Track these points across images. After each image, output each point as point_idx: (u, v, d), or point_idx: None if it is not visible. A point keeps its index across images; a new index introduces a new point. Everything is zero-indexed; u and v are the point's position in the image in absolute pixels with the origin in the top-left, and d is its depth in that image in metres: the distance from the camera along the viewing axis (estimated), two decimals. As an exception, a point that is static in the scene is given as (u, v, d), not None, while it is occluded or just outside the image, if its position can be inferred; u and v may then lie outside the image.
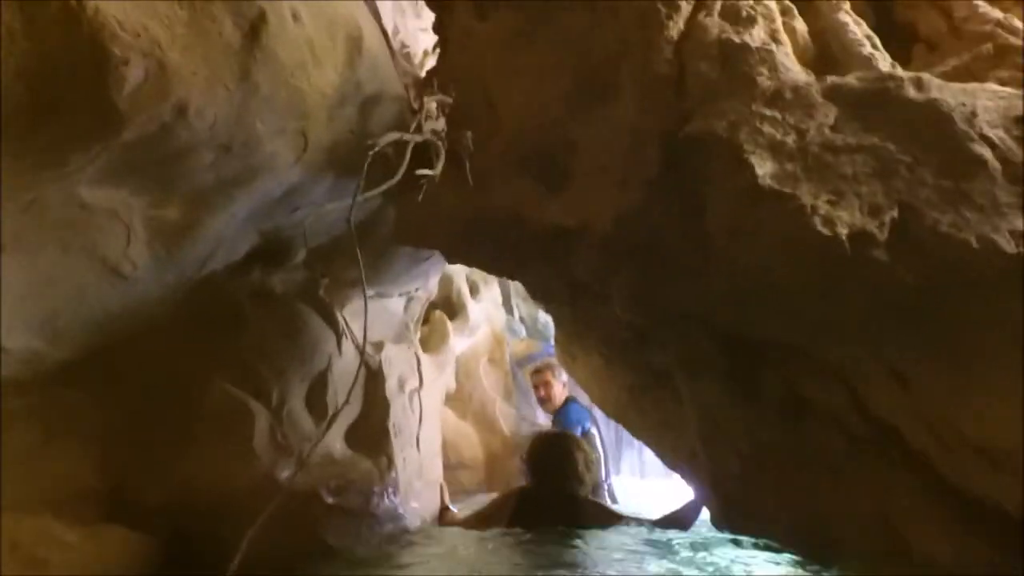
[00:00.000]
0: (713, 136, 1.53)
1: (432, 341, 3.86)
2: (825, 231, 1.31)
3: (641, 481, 4.07)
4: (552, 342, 5.43)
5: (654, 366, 2.21)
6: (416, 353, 2.96)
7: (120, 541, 1.48)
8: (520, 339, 5.85)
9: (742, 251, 1.51)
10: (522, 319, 5.92)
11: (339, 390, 2.19)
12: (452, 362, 3.79)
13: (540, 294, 2.47)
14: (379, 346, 2.65)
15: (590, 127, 1.85)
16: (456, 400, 4.43)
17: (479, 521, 2.36)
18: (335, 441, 2.10)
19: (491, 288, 5.19)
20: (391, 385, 2.55)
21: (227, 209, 1.58)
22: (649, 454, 4.67)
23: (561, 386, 3.68)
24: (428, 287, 2.96)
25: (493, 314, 5.11)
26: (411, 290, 2.80)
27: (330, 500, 1.83)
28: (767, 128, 1.49)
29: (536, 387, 3.70)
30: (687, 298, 1.75)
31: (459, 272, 4.50)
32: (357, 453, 2.17)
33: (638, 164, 1.70)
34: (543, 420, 4.11)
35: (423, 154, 2.01)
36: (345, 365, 2.30)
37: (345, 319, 2.48)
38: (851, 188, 1.36)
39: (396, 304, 2.82)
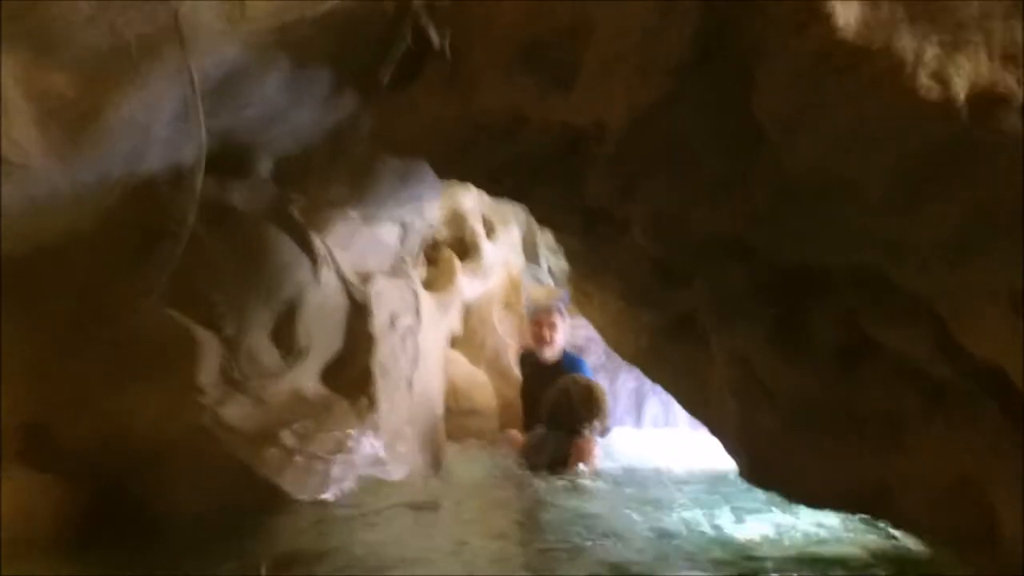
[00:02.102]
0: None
1: (439, 281, 3.58)
2: (932, 91, 0.89)
3: (666, 430, 3.81)
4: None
5: (679, 306, 1.85)
6: (414, 290, 2.68)
7: (37, 488, 1.27)
8: (540, 285, 5.52)
9: (803, 143, 1.10)
10: (550, 270, 5.59)
11: (314, 323, 1.94)
12: (458, 303, 3.51)
13: (548, 221, 2.10)
14: (367, 278, 2.37)
15: (606, 3, 1.42)
16: (469, 346, 4.19)
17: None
18: (307, 379, 1.86)
19: (509, 230, 4.82)
20: (380, 321, 2.28)
21: (141, 88, 1.27)
22: (673, 403, 4.41)
23: (564, 332, 3.34)
24: (425, 217, 2.63)
25: (510, 257, 4.77)
26: (403, 216, 2.48)
27: (291, 443, 1.60)
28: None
29: (540, 326, 3.35)
30: (721, 218, 1.37)
31: (473, 210, 4.16)
32: (334, 393, 1.93)
33: (666, 45, 1.28)
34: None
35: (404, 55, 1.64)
36: (323, 296, 2.04)
37: (327, 245, 2.20)
38: (975, 28, 0.92)
39: (389, 233, 2.51)
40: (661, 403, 4.22)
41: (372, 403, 2.00)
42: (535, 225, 5.63)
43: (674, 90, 1.26)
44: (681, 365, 2.09)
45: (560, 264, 5.82)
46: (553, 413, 2.75)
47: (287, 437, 1.61)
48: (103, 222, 1.46)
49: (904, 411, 1.45)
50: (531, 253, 5.17)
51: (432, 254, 3.81)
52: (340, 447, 1.77)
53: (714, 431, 2.05)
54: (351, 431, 1.86)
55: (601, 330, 2.47)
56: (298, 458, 1.60)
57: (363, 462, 1.85)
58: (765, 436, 1.74)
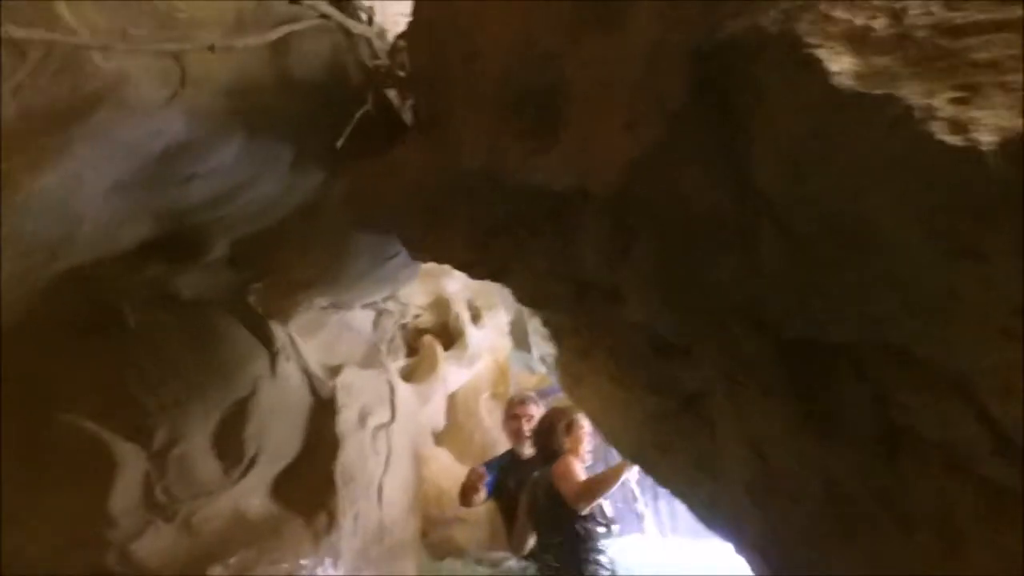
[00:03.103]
0: (760, 35, 1.02)
1: (420, 370, 3.33)
2: (954, 140, 0.76)
3: (670, 539, 3.35)
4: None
5: (682, 386, 1.62)
6: (389, 381, 2.44)
7: None
8: (531, 372, 5.26)
9: (812, 196, 0.96)
10: (542, 358, 5.37)
11: (267, 425, 1.68)
12: (441, 394, 3.24)
13: (534, 297, 1.92)
14: (335, 370, 2.14)
15: (591, 61, 1.36)
16: (455, 441, 3.83)
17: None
18: (252, 494, 1.56)
19: (496, 314, 4.66)
20: (347, 418, 2.02)
21: (65, 162, 1.12)
22: (679, 506, 3.95)
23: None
24: (401, 300, 2.45)
25: (497, 343, 4.56)
26: (378, 300, 2.30)
27: (222, 582, 1.28)
28: (838, 13, 0.98)
29: (517, 419, 2.99)
30: (728, 282, 1.20)
31: (458, 295, 4.01)
32: (285, 509, 1.62)
33: (655, 96, 1.20)
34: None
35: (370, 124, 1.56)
36: (281, 392, 1.80)
37: (289, 335, 1.99)
38: (990, 79, 0.82)
39: (362, 320, 2.32)
40: (665, 504, 3.80)
41: (332, 520, 1.69)
42: (525, 311, 5.48)
43: (669, 136, 1.15)
44: (688, 459, 1.82)
45: (552, 351, 5.59)
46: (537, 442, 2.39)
47: (220, 573, 1.29)
48: (23, 315, 1.25)
49: (958, 507, 1.20)
50: (521, 340, 4.97)
51: (412, 343, 3.60)
52: (288, 581, 1.45)
53: (730, 538, 1.74)
54: (304, 560, 1.53)
55: (594, 420, 2.21)
56: (230, 602, 1.28)
57: (317, 600, 1.51)
58: (792, 543, 1.45)
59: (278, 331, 1.89)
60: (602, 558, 2.25)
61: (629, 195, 1.29)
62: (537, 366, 5.28)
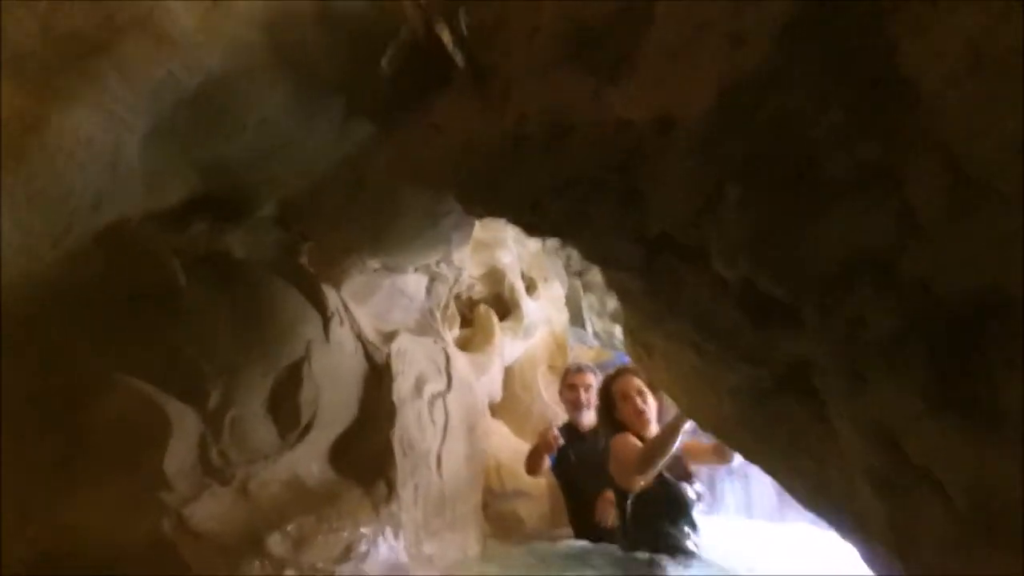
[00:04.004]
0: None
1: (475, 341, 3.23)
2: None
3: (748, 522, 3.11)
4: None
5: (783, 357, 1.39)
6: (445, 349, 2.34)
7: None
8: (587, 346, 5.08)
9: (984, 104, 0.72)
10: (596, 335, 5.20)
11: (322, 391, 1.61)
12: (498, 364, 3.13)
13: (601, 256, 1.73)
14: (390, 336, 2.05)
15: None
16: (512, 414, 3.74)
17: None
18: (309, 461, 1.49)
19: (551, 286, 4.50)
20: (403, 386, 1.93)
21: (97, 97, 1.04)
22: (759, 487, 3.69)
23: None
24: (455, 264, 2.33)
25: (553, 315, 4.39)
26: (431, 263, 2.18)
27: (281, 551, 1.21)
28: None
29: (575, 389, 2.81)
30: (857, 232, 0.97)
31: (512, 266, 3.87)
32: (343, 477, 1.55)
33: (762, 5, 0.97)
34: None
35: (425, 66, 1.41)
36: (335, 358, 1.72)
37: (342, 298, 1.91)
38: None
39: (415, 284, 2.21)
40: (742, 486, 3.55)
41: (392, 489, 1.61)
42: (579, 285, 5.30)
43: (780, 55, 0.93)
44: (786, 439, 1.59)
45: (607, 326, 5.39)
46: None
47: (277, 543, 1.23)
48: (61, 277, 1.20)
49: None
50: (576, 316, 4.82)
51: (467, 313, 3.50)
52: (349, 552, 1.37)
53: (845, 532, 1.50)
54: (364, 529, 1.46)
55: (670, 392, 1.99)
56: (290, 572, 1.21)
57: (379, 570, 1.43)
58: (935, 546, 1.21)
59: (331, 295, 1.81)
60: (689, 537, 2.08)
61: (722, 128, 1.07)
62: (591, 341, 5.10)
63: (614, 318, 5.31)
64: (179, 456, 1.20)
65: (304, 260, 1.72)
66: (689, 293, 1.49)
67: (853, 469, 1.32)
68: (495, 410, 3.41)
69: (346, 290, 1.94)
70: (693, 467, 2.36)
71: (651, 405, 2.18)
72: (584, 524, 2.46)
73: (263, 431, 1.41)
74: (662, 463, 2.03)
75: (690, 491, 2.10)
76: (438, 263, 2.21)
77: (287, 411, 1.49)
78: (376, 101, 1.37)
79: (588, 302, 5.27)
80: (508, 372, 3.59)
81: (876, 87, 0.85)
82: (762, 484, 3.42)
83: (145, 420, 1.20)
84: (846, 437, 1.30)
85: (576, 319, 4.79)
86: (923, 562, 1.21)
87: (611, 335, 5.08)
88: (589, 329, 5.06)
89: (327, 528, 1.36)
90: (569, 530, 2.62)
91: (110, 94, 1.04)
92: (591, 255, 1.79)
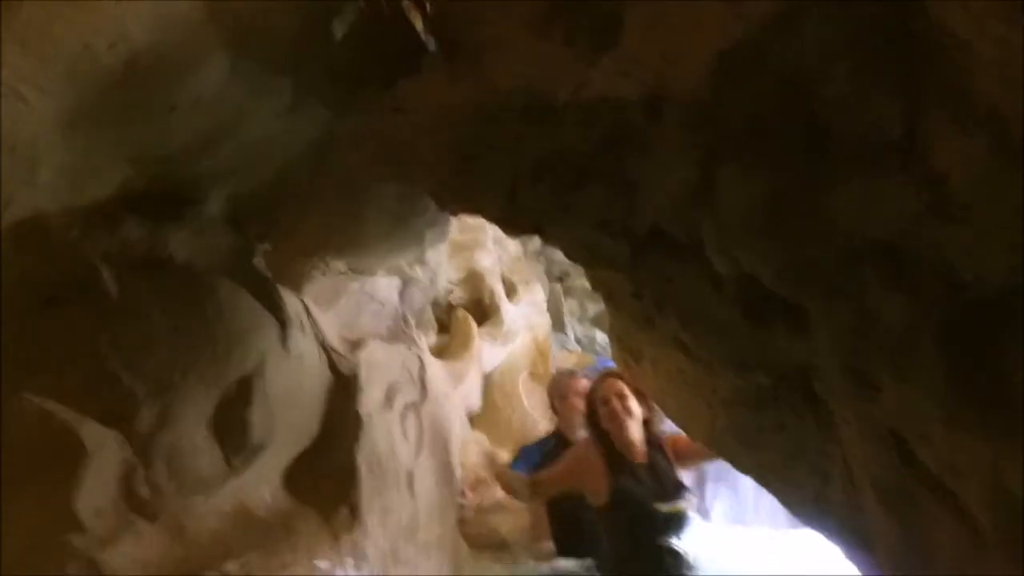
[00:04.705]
0: None
1: (453, 347, 3.08)
2: None
3: (738, 529, 3.01)
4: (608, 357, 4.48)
5: (782, 360, 1.28)
6: (419, 356, 2.19)
7: None
8: (568, 351, 4.97)
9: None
10: (578, 340, 5.12)
11: (277, 406, 1.44)
12: (476, 372, 2.98)
13: (584, 254, 1.60)
14: (357, 344, 1.90)
15: None
16: (492, 424, 3.58)
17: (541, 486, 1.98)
18: (260, 486, 1.33)
19: (532, 289, 4.38)
20: (371, 398, 1.77)
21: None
22: (748, 493, 3.60)
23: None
24: (430, 265, 2.18)
25: (535, 320, 4.27)
26: (403, 266, 2.03)
27: (220, 594, 1.05)
28: None
29: (576, 396, 2.65)
30: (872, 212, 0.86)
31: (491, 269, 3.74)
32: (300, 504, 1.38)
33: None
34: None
35: (386, 44, 1.27)
36: (293, 370, 1.56)
37: (304, 304, 1.74)
38: None
39: (386, 288, 2.06)
40: (729, 490, 3.45)
41: (355, 514, 1.45)
42: (560, 290, 5.20)
43: (781, 15, 0.81)
44: (783, 451, 1.47)
45: (588, 331, 5.30)
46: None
47: (215, 584, 1.06)
48: None
49: None
50: (557, 321, 4.73)
51: (445, 319, 3.35)
52: (302, 589, 1.21)
53: (848, 549, 1.39)
54: (321, 563, 1.29)
55: (659, 401, 1.88)
56: (231, 617, 1.05)
57: (338, 609, 1.27)
58: (950, 561, 1.10)
59: (290, 300, 1.64)
60: (676, 545, 1.94)
61: (719, 95, 0.95)
62: (573, 347, 4.99)
63: (595, 323, 5.24)
64: (95, 490, 1.03)
65: (259, 262, 1.55)
66: (680, 293, 1.37)
67: (859, 481, 1.21)
68: (474, 420, 3.26)
69: (308, 294, 1.78)
70: (687, 468, 2.28)
71: (633, 409, 2.05)
72: (568, 540, 2.34)
73: (205, 456, 1.24)
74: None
75: (680, 506, 1.97)
76: (411, 265, 2.06)
77: (234, 431, 1.32)
78: (332, 82, 1.22)
79: (569, 307, 5.19)
80: (488, 380, 3.44)
81: (895, 36, 0.73)
82: (753, 489, 3.33)
83: (54, 447, 1.02)
84: (852, 446, 1.19)
85: (557, 324, 4.70)
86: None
87: (592, 340, 5.01)
88: (570, 334, 4.98)
89: (278, 563, 1.20)
90: (551, 545, 2.49)
91: (11, 70, 0.87)
92: (574, 252, 1.66)
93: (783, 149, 0.89)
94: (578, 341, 5.21)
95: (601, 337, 5.17)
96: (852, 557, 1.37)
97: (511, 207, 1.51)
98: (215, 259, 1.44)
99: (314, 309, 1.78)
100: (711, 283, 1.23)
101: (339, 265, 1.80)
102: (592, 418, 2.09)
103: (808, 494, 1.43)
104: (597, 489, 1.95)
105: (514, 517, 2.75)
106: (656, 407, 2.21)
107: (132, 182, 1.26)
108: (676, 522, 1.93)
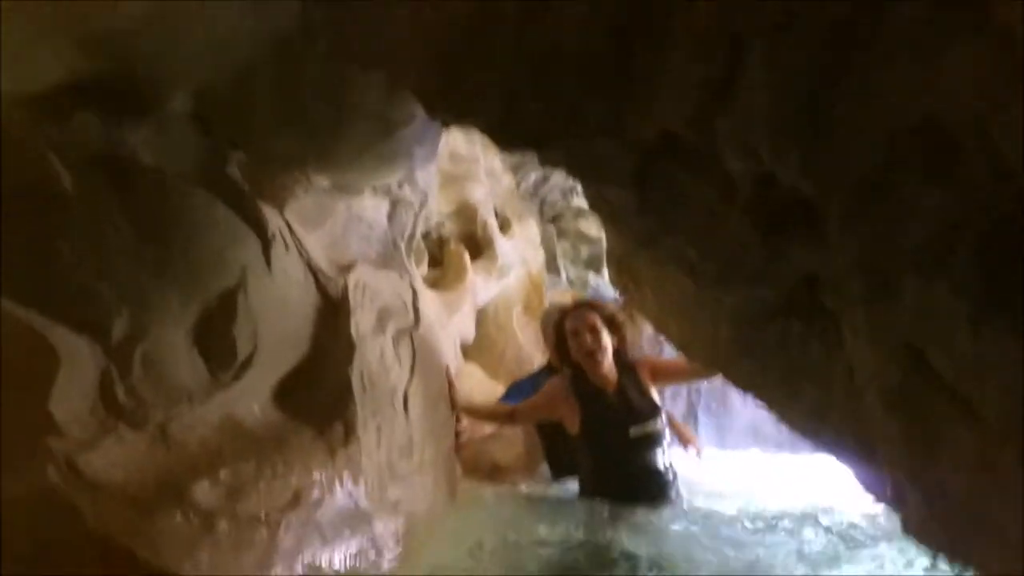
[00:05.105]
0: None
1: (446, 279, 3.02)
2: None
3: (723, 452, 3.11)
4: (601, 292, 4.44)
5: (793, 271, 1.22)
6: (411, 284, 2.13)
7: None
8: (562, 289, 4.94)
9: None
10: (570, 282, 5.08)
11: (263, 322, 1.38)
12: (470, 304, 2.94)
13: (587, 166, 1.49)
14: (347, 267, 1.82)
15: None
16: (487, 356, 3.59)
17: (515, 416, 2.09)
18: (250, 400, 1.29)
19: (526, 224, 4.29)
20: (363, 321, 1.72)
21: None
22: (734, 419, 3.69)
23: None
24: (420, 186, 2.08)
25: (529, 254, 4.20)
26: (391, 186, 1.92)
27: (210, 502, 1.02)
28: None
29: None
30: (915, 90, 0.77)
31: (485, 202, 3.63)
32: (292, 419, 1.36)
33: None
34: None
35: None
36: (277, 286, 1.49)
37: (286, 221, 1.65)
38: None
39: (374, 209, 1.96)
40: (713, 420, 3.53)
41: (350, 431, 1.43)
42: (553, 232, 5.10)
43: None
44: (787, 363, 1.44)
45: (581, 273, 5.26)
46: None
47: (205, 493, 1.03)
48: None
49: None
50: (550, 263, 4.68)
51: (437, 254, 3.27)
52: (298, 499, 1.20)
53: (846, 457, 1.38)
54: (317, 474, 1.28)
55: (658, 324, 1.83)
56: (223, 524, 1.03)
57: (335, 519, 1.26)
58: (956, 467, 1.08)
59: (272, 216, 1.55)
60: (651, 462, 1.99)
61: None
62: (566, 289, 4.96)
63: (588, 264, 5.20)
64: (71, 396, 0.98)
65: (234, 172, 1.45)
66: (688, 204, 1.29)
67: (863, 390, 1.19)
68: (468, 352, 3.26)
69: (291, 213, 1.69)
70: (666, 387, 2.31)
71: (604, 341, 2.05)
72: (561, 464, 2.38)
73: (187, 367, 1.18)
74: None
75: (653, 427, 1.99)
76: (400, 185, 1.95)
77: (219, 346, 1.27)
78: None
79: (562, 248, 5.12)
80: (482, 313, 3.42)
81: None
82: (744, 417, 3.41)
83: (26, 355, 0.96)
84: (859, 355, 1.15)
85: (550, 266, 4.66)
86: (940, 483, 1.09)
87: (585, 282, 4.98)
88: (563, 276, 4.94)
89: (271, 474, 1.18)
90: (546, 470, 2.54)
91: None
92: (575, 165, 1.54)
93: (819, 29, 0.79)
94: (571, 283, 5.19)
95: (594, 279, 5.14)
96: (850, 463, 1.38)
97: (508, 118, 1.40)
98: (185, 165, 1.34)
99: (298, 228, 1.69)
100: (722, 192, 1.15)
101: (321, 180, 1.69)
102: (562, 350, 2.11)
103: (809, 404, 1.41)
104: (571, 418, 2.02)
105: (508, 444, 2.80)
106: (630, 334, 2.23)
107: (81, 69, 1.13)
108: (649, 443, 1.98)
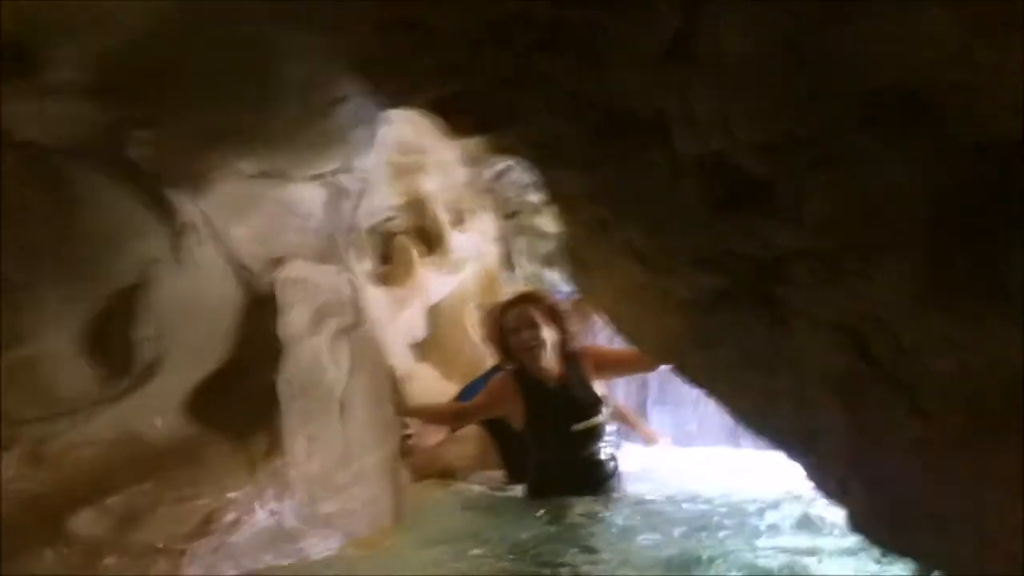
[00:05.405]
0: None
1: (394, 273, 2.88)
2: None
3: (678, 450, 3.11)
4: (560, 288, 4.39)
5: (743, 255, 1.17)
6: (350, 279, 1.98)
7: None
8: (519, 282, 4.87)
9: None
10: (527, 278, 5.01)
11: (171, 323, 1.22)
12: (420, 300, 2.81)
13: (538, 148, 1.40)
14: (277, 262, 1.67)
15: None
16: (440, 355, 3.46)
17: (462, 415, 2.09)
18: (151, 413, 1.13)
19: (482, 217, 4.17)
20: (294, 320, 1.57)
21: None
22: (687, 414, 3.72)
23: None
24: (360, 174, 1.93)
25: (485, 249, 4.09)
26: (328, 173, 1.77)
27: (94, 530, 0.87)
28: None
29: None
30: (890, 44, 0.71)
31: (436, 193, 3.49)
32: (206, 431, 1.20)
33: None
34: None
35: None
36: (190, 282, 1.32)
37: (201, 211, 1.48)
38: None
39: (309, 199, 1.80)
40: (670, 414, 3.54)
41: (275, 441, 1.29)
42: (510, 228, 5.04)
43: None
44: (735, 352, 1.40)
45: (536, 270, 5.22)
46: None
47: (88, 523, 0.88)
48: None
49: None
50: (506, 259, 4.61)
51: (387, 250, 3.12)
52: (208, 524, 1.05)
53: (791, 450, 1.36)
54: (233, 493, 1.13)
55: (610, 313, 1.78)
56: (110, 559, 0.88)
57: (254, 542, 1.12)
58: (897, 447, 1.06)
59: (184, 204, 1.38)
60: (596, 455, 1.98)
61: None
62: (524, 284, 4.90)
63: (545, 261, 5.17)
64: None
65: (136, 152, 1.27)
66: (639, 185, 1.23)
67: (808, 376, 1.16)
68: (421, 351, 3.12)
69: (211, 201, 1.51)
70: (614, 378, 2.27)
71: (544, 337, 2.02)
72: (517, 466, 2.30)
73: (71, 377, 1.02)
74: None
75: (595, 420, 1.98)
76: (337, 173, 1.80)
77: (115, 350, 1.10)
78: None
79: (519, 246, 5.07)
80: (435, 310, 3.29)
81: None
82: (694, 412, 3.43)
83: None
84: (805, 340, 1.12)
85: (507, 262, 4.60)
86: (882, 465, 1.07)
87: (541, 278, 4.95)
88: (519, 273, 4.89)
89: (174, 497, 1.03)
90: (499, 472, 2.46)
91: None
92: (527, 148, 1.46)
93: None
94: (527, 279, 5.15)
95: (550, 276, 5.12)
96: (794, 458, 1.36)
97: (455, 86, 1.29)
98: (74, 141, 1.15)
99: (219, 218, 1.52)
100: (673, 170, 1.09)
101: (247, 166, 1.53)
102: (503, 346, 2.07)
103: (756, 394, 1.38)
104: (515, 414, 2.00)
105: (458, 445, 2.69)
106: (571, 327, 2.19)
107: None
108: (592, 436, 1.98)
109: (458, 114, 1.42)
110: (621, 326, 1.73)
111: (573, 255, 1.74)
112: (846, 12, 0.68)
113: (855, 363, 1.04)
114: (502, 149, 1.69)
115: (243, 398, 1.32)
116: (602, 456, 1.99)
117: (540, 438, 2.01)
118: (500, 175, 4.78)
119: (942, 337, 0.88)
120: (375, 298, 2.24)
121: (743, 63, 0.79)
